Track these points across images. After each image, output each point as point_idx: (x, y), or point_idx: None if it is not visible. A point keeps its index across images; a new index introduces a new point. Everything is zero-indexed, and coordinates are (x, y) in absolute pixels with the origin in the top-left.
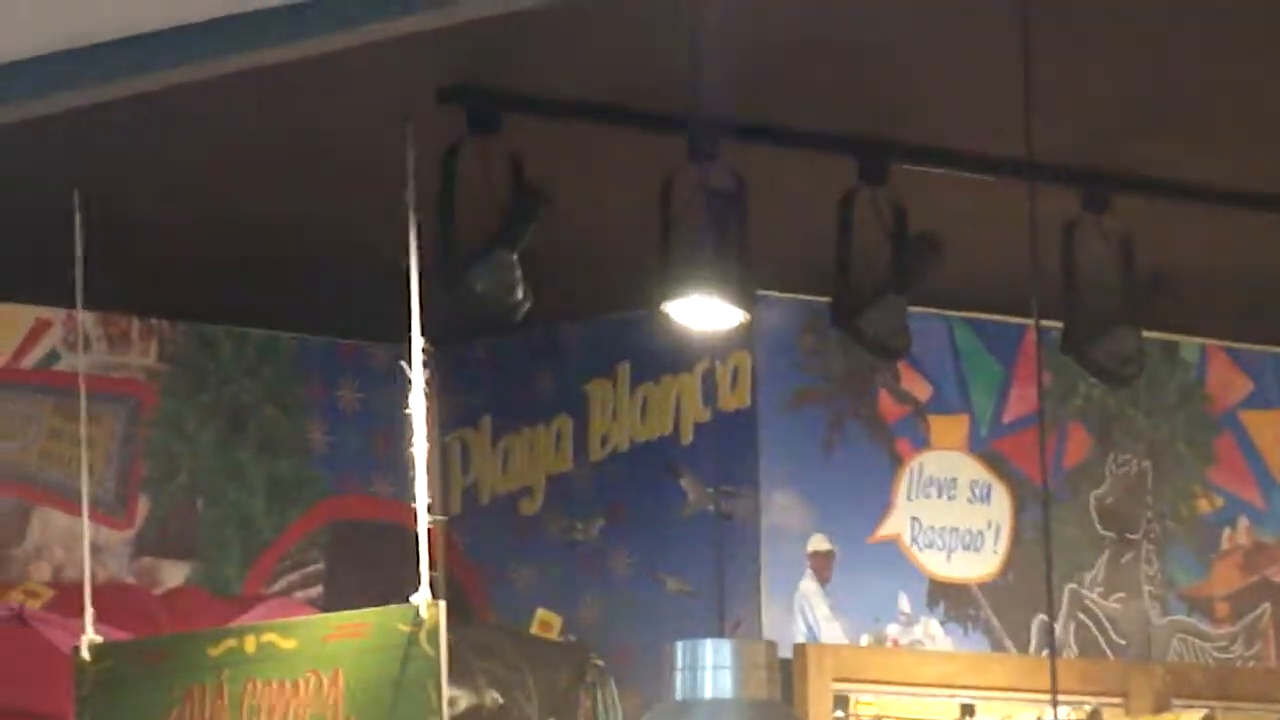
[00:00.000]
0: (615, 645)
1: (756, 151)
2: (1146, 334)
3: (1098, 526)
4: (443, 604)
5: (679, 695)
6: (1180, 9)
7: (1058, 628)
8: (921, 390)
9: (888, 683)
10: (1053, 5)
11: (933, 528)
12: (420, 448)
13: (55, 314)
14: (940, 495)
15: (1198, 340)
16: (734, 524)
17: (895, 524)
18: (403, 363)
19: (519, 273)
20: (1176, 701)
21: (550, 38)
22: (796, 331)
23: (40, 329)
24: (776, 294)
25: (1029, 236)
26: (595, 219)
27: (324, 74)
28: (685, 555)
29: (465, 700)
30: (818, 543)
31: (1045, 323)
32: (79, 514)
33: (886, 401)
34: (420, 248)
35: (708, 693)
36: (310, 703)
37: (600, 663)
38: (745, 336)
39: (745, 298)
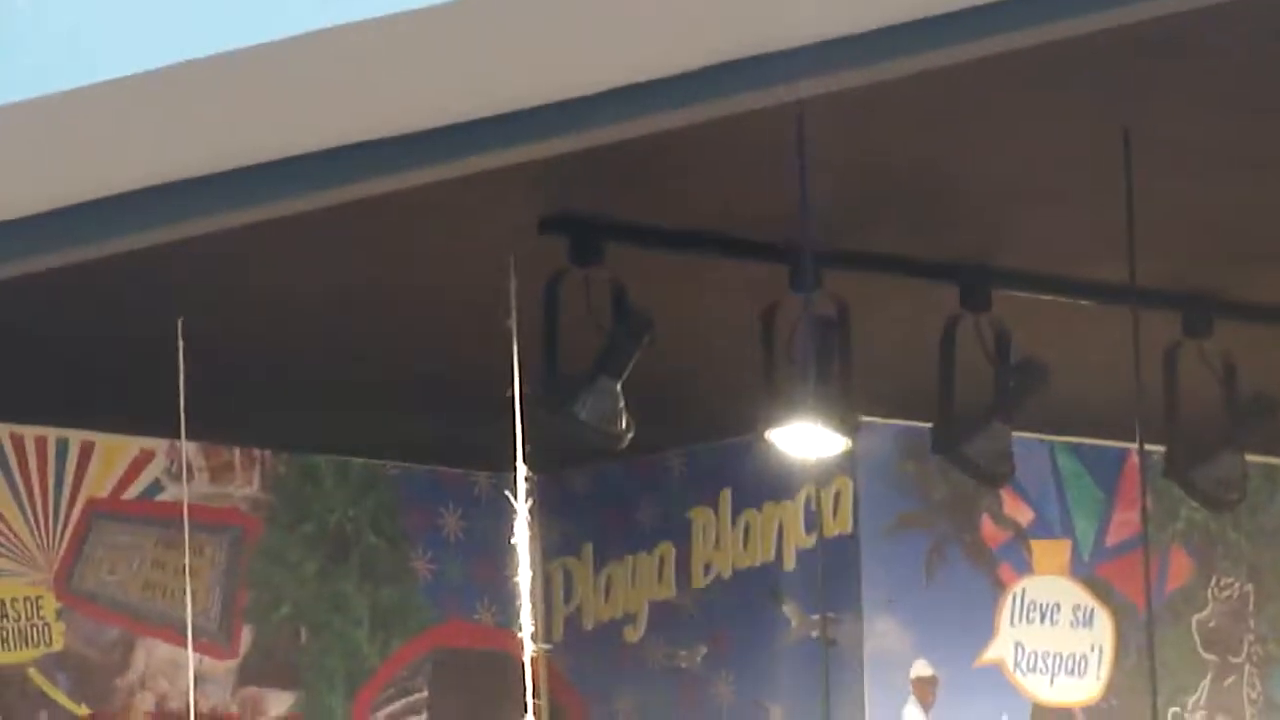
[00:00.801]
0: None
1: (859, 277)
2: (1248, 458)
3: (1200, 650)
4: None
5: None
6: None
7: None
8: (1023, 515)
9: None
10: (1155, 132)
11: (1035, 653)
12: (525, 576)
13: (158, 444)
14: (1043, 620)
15: None
16: (837, 650)
17: (999, 649)
18: (506, 491)
19: (622, 401)
20: None
21: (651, 167)
22: (898, 457)
23: (143, 460)
24: (878, 419)
25: (1132, 361)
26: (697, 346)
27: (427, 204)
28: (789, 683)
29: None
30: (920, 668)
31: (1147, 447)
32: (182, 644)
33: (988, 526)
34: (523, 376)
35: None
36: None
37: None
38: (847, 462)
39: (848, 424)
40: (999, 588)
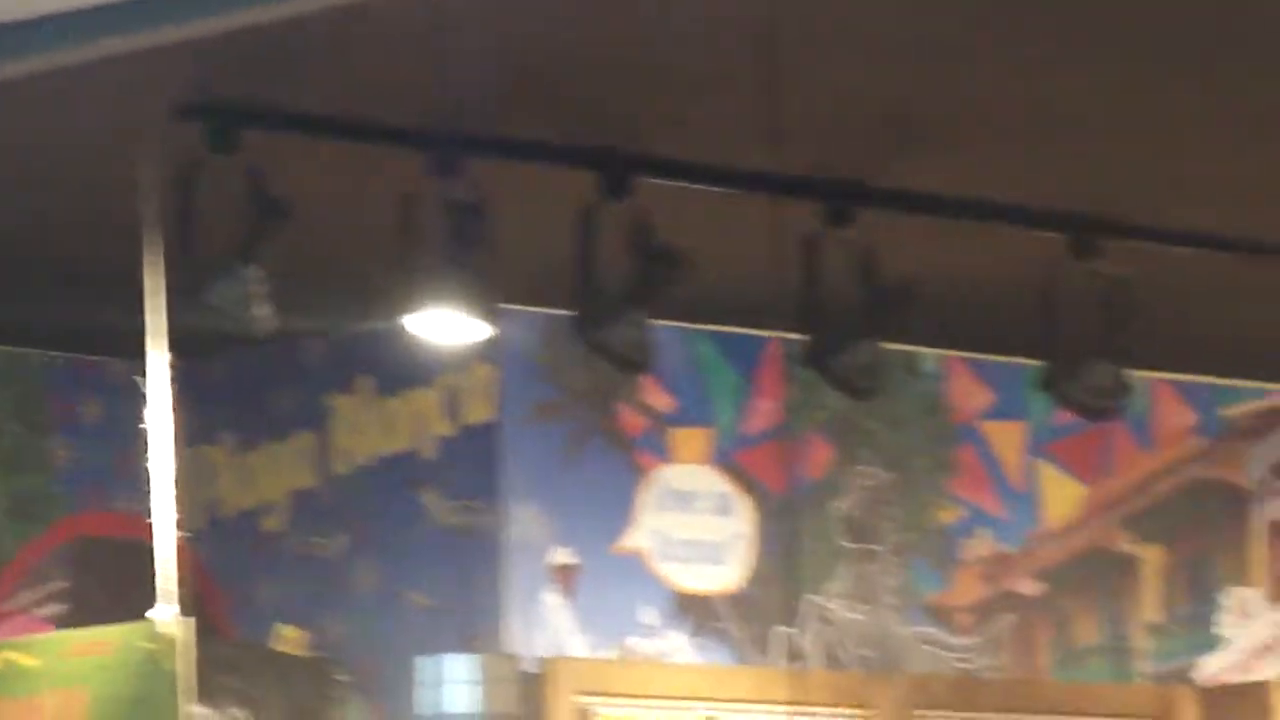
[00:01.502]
0: (359, 660)
1: (500, 164)
2: (887, 346)
3: (840, 538)
4: (190, 621)
5: (422, 710)
6: (923, 22)
7: (800, 639)
8: (663, 403)
9: (631, 696)
10: (799, 20)
11: (675, 540)
12: (159, 463)
13: None
14: (682, 508)
15: (938, 352)
16: (476, 538)
17: (637, 537)
18: (138, 379)
19: (259, 287)
20: (918, 712)
21: (290, 52)
22: (539, 345)
23: None
24: (519, 307)
25: (771, 250)
26: (336, 232)
27: (59, 88)
28: (429, 570)
29: (209, 717)
30: (560, 556)
31: (787, 335)
32: None
33: (628, 415)
34: (159, 263)
35: (450, 707)
36: None
37: (344, 678)
38: (488, 350)
39: (486, 311)
40: (639, 475)
